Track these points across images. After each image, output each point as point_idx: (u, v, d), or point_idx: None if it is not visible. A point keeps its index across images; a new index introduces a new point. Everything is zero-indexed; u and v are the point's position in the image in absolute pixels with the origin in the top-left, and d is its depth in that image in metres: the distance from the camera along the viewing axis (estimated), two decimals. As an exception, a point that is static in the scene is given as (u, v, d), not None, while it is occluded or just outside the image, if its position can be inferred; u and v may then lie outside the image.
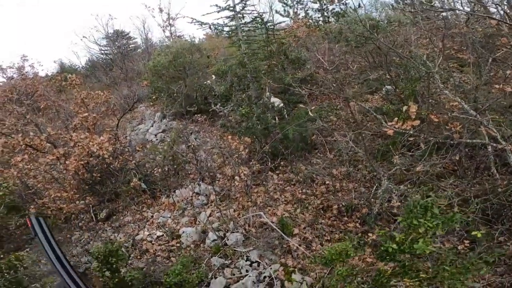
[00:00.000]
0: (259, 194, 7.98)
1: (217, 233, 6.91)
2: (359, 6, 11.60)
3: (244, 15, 9.25)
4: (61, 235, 8.29)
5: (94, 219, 8.54)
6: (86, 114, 7.18)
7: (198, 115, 10.12)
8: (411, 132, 5.02)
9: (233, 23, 9.41)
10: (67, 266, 2.48)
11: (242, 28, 9.27)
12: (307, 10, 14.53)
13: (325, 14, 14.22)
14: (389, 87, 9.88)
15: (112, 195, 8.69)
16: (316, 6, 14.37)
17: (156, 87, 11.68)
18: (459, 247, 5.24)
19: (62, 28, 41.43)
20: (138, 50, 24.53)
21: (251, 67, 8.39)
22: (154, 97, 11.55)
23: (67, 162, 6.11)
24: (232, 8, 9.00)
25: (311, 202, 7.56)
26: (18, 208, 8.26)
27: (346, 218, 7.20)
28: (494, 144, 5.37)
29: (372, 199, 7.04)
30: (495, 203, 5.29)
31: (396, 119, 4.98)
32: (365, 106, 8.03)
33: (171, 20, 21.71)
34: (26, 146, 6.82)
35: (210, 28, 9.24)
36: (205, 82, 11.30)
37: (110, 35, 22.79)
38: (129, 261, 7.06)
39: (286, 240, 6.40)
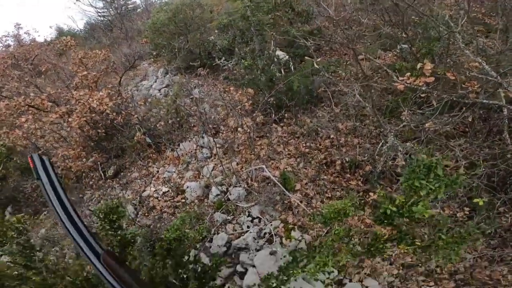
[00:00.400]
0: (262, 147, 7.85)
1: (219, 187, 6.93)
2: None
3: None
4: (73, 195, 8.61)
5: (103, 176, 8.74)
6: (86, 72, 7.04)
7: (201, 69, 9.79)
8: (424, 88, 4.62)
9: None
10: (73, 216, 1.89)
11: None
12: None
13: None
14: (404, 45, 9.22)
15: (118, 151, 8.79)
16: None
17: (157, 44, 11.32)
18: (458, 215, 5.18)
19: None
20: (138, 10, 24.02)
21: (254, 20, 7.83)
22: (155, 54, 11.23)
23: (69, 119, 6.11)
24: None
25: (315, 157, 7.40)
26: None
27: (348, 175, 7.06)
28: (511, 107, 4.98)
29: (376, 156, 6.83)
30: (502, 170, 5.02)
31: (408, 74, 4.61)
32: (376, 61, 7.48)
33: None
34: (28, 106, 6.84)
35: None
36: (208, 38, 10.84)
37: None
38: (137, 219, 7.30)
39: (288, 196, 6.36)
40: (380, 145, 6.88)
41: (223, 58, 10.39)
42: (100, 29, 20.60)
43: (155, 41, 11.42)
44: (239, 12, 7.75)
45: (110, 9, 22.37)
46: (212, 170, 7.56)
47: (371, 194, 6.35)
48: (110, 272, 1.62)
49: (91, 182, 8.84)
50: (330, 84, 9.22)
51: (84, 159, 7.74)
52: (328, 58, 10.91)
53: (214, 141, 7.62)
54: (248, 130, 7.22)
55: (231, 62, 9.96)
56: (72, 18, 46.48)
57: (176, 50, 10.42)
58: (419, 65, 4.95)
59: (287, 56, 9.68)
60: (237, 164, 7.55)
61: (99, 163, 8.61)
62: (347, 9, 11.36)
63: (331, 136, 7.83)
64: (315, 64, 7.86)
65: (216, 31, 11.09)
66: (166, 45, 10.89)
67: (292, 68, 9.60)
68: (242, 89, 7.83)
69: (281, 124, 8.42)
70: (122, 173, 8.75)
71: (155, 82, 11.26)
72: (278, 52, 9.66)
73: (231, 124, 7.63)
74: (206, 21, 11.69)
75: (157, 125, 8.24)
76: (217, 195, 6.88)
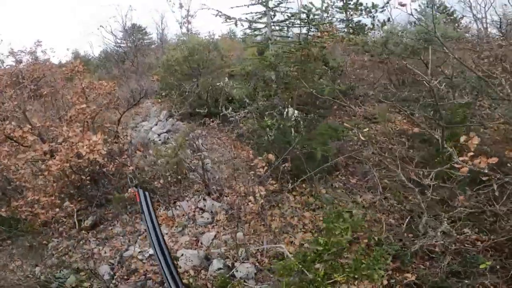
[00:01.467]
0: (273, 218, 6.90)
1: (223, 261, 5.80)
2: (388, 20, 10.69)
3: (277, 12, 8.26)
4: (36, 240, 7.11)
5: (77, 225, 7.32)
6: (84, 105, 6.07)
7: (209, 119, 9.02)
8: (486, 171, 4.03)
9: (263, 20, 8.37)
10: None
11: (273, 26, 8.26)
12: (332, 19, 13.63)
13: (350, 25, 13.28)
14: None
15: (102, 200, 7.52)
16: (342, 16, 13.42)
17: (167, 83, 10.62)
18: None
19: (77, 15, 40.58)
20: (152, 46, 24.25)
21: (284, 70, 7.24)
22: (164, 94, 10.46)
23: (50, 162, 4.97)
24: (264, 3, 8.00)
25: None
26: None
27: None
28: None
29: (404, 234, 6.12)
30: None
31: (470, 154, 4.03)
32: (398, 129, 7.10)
33: (189, 17, 21.53)
34: (6, 137, 5.66)
35: (236, 24, 8.24)
36: (217, 84, 10.30)
37: (127, 27, 22.37)
38: (113, 282, 5.95)
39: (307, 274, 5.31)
40: (406, 221, 6.24)
41: (231, 108, 9.74)
42: (113, 59, 20.16)
43: (166, 80, 10.73)
44: (265, 59, 7.16)
45: (128, 41, 22.39)
46: (213, 239, 6.44)
47: (407, 275, 5.35)
48: None
49: (61, 229, 7.35)
50: (350, 151, 8.68)
51: (57, 209, 6.40)
52: (344, 118, 10.51)
53: (221, 205, 6.63)
54: (261, 200, 6.30)
55: (239, 114, 9.27)
56: (91, 43, 46.01)
57: (186, 93, 9.73)
58: (463, 138, 4.37)
59: (298, 115, 9.18)
60: (245, 234, 6.48)
61: (75, 209, 7.24)
62: (368, 64, 11.29)
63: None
64: (345, 124, 7.25)
65: (226, 78, 10.63)
66: (177, 86, 10.19)
67: (303, 128, 9.04)
68: (255, 150, 7.03)
69: (294, 193, 7.59)
70: (102, 225, 7.40)
71: (156, 125, 10.34)
72: (289, 109, 9.18)
73: (240, 189, 6.69)
74: (218, 66, 11.26)
75: (153, 179, 7.16)
76: (219, 269, 5.73)
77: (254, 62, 7.71)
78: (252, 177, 6.79)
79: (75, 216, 7.26)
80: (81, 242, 7.00)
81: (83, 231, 7.22)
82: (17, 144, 5.74)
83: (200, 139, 8.65)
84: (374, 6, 8.57)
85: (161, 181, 6.79)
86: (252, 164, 6.92)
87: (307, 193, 7.64)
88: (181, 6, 21.10)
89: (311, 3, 12.31)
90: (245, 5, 8.52)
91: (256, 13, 8.36)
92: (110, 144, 6.03)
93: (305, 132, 8.11)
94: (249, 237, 6.49)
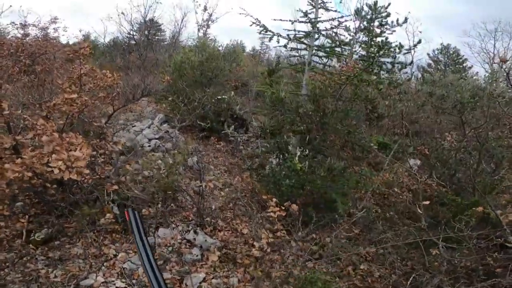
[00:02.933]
0: (273, 265, 5.86)
1: (214, 315, 4.62)
2: (411, 63, 10.24)
3: (322, 36, 7.53)
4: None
5: (24, 236, 5.73)
6: (75, 95, 4.77)
7: (210, 135, 7.98)
8: None
9: (306, 40, 7.56)
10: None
11: (315, 51, 7.47)
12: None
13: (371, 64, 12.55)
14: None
15: (64, 210, 6.02)
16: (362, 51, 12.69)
17: (177, 88, 9.45)
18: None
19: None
20: (163, 43, 24.19)
21: (328, 107, 6.15)
22: (170, 98, 9.24)
23: (6, 165, 3.59)
24: (313, 23, 7.27)
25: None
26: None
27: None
28: None
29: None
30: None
31: None
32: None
33: (210, 22, 21.36)
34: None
35: (271, 38, 7.41)
36: (221, 97, 9.32)
37: (147, 20, 21.92)
38: None
39: None
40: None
41: (233, 127, 8.79)
42: (120, 49, 18.93)
43: (177, 83, 9.53)
44: (310, 88, 6.20)
45: (141, 34, 21.46)
46: (201, 282, 5.21)
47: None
48: None
49: (2, 235, 5.71)
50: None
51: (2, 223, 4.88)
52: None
53: (215, 244, 5.49)
54: (266, 247, 5.30)
55: (242, 135, 8.32)
56: (105, 29, 43.53)
57: (195, 102, 8.61)
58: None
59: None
60: (239, 281, 5.36)
61: (27, 217, 5.70)
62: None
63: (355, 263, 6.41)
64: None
65: (232, 92, 9.69)
66: (188, 93, 9.03)
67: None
68: (264, 189, 6.04)
69: (295, 239, 6.66)
70: (57, 242, 5.85)
71: (149, 127, 9.00)
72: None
73: (240, 228, 5.64)
74: (226, 78, 10.35)
75: (136, 196, 5.88)
76: (208, 325, 4.52)
77: (285, 88, 6.77)
78: (259, 219, 5.76)
79: (25, 224, 5.69)
80: (24, 259, 5.43)
81: (31, 245, 5.67)
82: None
83: (194, 155, 7.52)
84: (400, 46, 8.19)
85: (146, 200, 5.52)
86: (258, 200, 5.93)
87: (310, 239, 6.81)
88: (205, 9, 20.81)
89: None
90: (290, 20, 7.75)
91: (298, 31, 7.60)
92: (94, 155, 4.70)
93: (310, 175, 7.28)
94: (245, 284, 5.38)
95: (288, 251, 6.30)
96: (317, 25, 7.24)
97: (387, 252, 6.91)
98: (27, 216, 5.87)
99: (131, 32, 22.93)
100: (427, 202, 5.53)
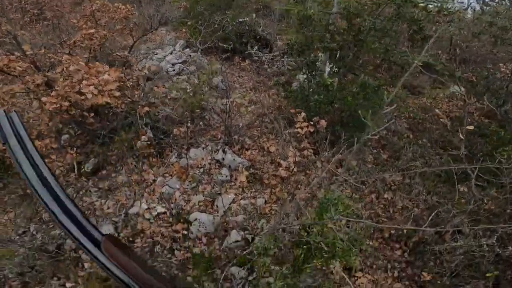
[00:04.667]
0: (299, 186, 6.15)
1: (242, 233, 5.15)
2: None
3: None
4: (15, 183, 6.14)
5: (75, 169, 6.37)
6: (93, 30, 4.70)
7: (233, 55, 7.75)
8: None
9: None
10: (58, 193, 1.27)
11: None
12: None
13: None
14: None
15: (105, 138, 6.51)
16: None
17: (195, 14, 8.92)
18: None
19: None
20: None
21: (366, 24, 5.41)
22: (189, 23, 8.83)
23: (44, 98, 3.83)
24: None
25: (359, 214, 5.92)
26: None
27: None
28: None
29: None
30: None
31: None
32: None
33: None
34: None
35: None
36: (243, 20, 8.71)
37: None
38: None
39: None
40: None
41: (257, 47, 8.38)
42: None
43: (194, 8, 8.97)
44: (345, 6, 5.45)
45: None
46: (231, 203, 5.70)
47: (424, 274, 5.08)
48: (115, 262, 1.25)
49: (57, 171, 6.42)
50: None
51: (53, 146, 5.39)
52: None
53: (243, 164, 5.75)
54: (293, 166, 5.45)
55: (266, 54, 7.95)
56: None
57: (215, 25, 8.17)
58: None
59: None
60: (266, 202, 5.77)
61: (75, 148, 6.27)
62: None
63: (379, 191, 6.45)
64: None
65: (254, 15, 8.98)
66: (207, 17, 8.53)
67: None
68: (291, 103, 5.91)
69: (322, 159, 6.75)
70: (104, 171, 6.51)
71: (171, 53, 8.91)
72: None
73: (268, 147, 5.77)
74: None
75: (167, 117, 6.10)
76: (237, 241, 5.10)
77: (314, 6, 6.02)
78: (287, 136, 5.81)
79: (74, 155, 6.30)
80: (80, 193, 6.16)
81: (83, 178, 6.34)
82: (3, 74, 4.50)
83: (219, 75, 7.44)
84: None
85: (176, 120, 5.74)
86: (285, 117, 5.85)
87: (336, 160, 6.86)
88: None
89: None
90: None
91: None
92: (123, 81, 4.80)
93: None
94: (271, 205, 5.80)
95: (313, 172, 6.46)
96: None
97: (414, 183, 6.66)
98: (74, 148, 6.46)
99: None
100: (471, 127, 5.14)
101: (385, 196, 6.28)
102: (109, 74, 3.74)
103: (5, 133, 1.35)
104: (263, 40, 8.83)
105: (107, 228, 5.31)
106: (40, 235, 4.89)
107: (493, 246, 4.21)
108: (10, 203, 5.86)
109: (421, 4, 5.27)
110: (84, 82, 3.67)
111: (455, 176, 5.16)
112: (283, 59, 8.13)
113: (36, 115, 4.59)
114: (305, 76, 6.57)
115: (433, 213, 5.08)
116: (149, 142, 6.31)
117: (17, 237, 5.13)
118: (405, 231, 5.41)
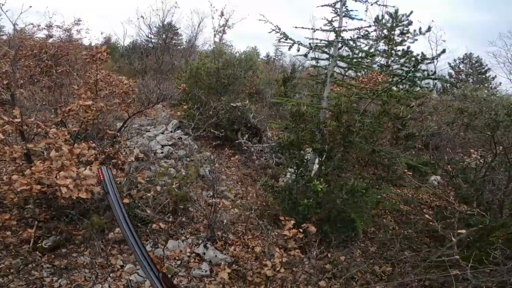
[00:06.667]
0: (284, 283, 5.58)
1: None
2: (434, 73, 9.36)
3: (345, 46, 7.15)
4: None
5: (31, 242, 5.60)
6: (90, 102, 4.63)
7: (222, 144, 7.80)
8: None
9: (330, 50, 7.22)
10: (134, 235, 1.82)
11: (337, 61, 7.11)
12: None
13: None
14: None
15: (74, 217, 5.91)
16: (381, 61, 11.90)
17: (193, 97, 9.31)
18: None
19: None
20: (179, 47, 24.70)
21: (356, 126, 5.66)
22: (186, 106, 9.08)
23: (14, 176, 3.44)
24: (337, 32, 6.94)
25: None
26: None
27: None
28: None
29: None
30: None
31: None
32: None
33: (226, 28, 21.70)
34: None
35: (290, 47, 7.06)
36: (235, 104, 9.13)
37: (165, 24, 22.47)
38: None
39: None
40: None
41: (247, 136, 8.57)
42: (138, 52, 19.74)
43: (193, 91, 9.41)
44: (335, 103, 5.72)
45: (159, 37, 21.87)
46: (210, 300, 4.99)
47: None
48: None
49: (11, 239, 5.57)
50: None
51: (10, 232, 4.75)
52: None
53: (221, 259, 5.25)
54: (281, 269, 5.01)
55: (256, 145, 8.09)
56: (125, 31, 45.41)
57: (210, 112, 8.45)
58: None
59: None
60: (248, 302, 5.11)
61: (36, 222, 5.59)
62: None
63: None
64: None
65: (246, 100, 9.48)
66: (204, 101, 8.89)
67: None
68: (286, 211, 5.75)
69: (310, 257, 6.37)
70: (64, 250, 5.74)
71: (162, 133, 8.91)
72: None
73: (256, 249, 5.38)
74: (241, 86, 10.14)
75: (148, 205, 5.72)
76: None
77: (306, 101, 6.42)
78: (274, 238, 5.50)
79: (32, 233, 5.57)
80: (29, 266, 5.31)
81: (37, 252, 5.55)
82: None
83: (207, 166, 7.33)
84: (423, 57, 7.65)
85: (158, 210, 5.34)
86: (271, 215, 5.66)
87: (324, 257, 6.51)
88: (222, 14, 20.99)
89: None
90: (312, 29, 7.40)
91: (321, 40, 7.27)
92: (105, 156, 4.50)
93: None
94: (254, 306, 5.12)
95: (300, 269, 6.00)
96: (341, 35, 6.92)
97: (405, 272, 6.64)
98: (36, 222, 5.79)
99: (150, 35, 23.29)
100: (463, 231, 5.13)
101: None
102: (90, 169, 3.47)
103: (107, 184, 1.84)
104: (253, 128, 9.09)
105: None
106: None
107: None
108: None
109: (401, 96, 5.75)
110: (62, 173, 3.36)
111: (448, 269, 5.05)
112: (271, 151, 8.25)
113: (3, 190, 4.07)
114: (293, 171, 6.59)
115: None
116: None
117: None
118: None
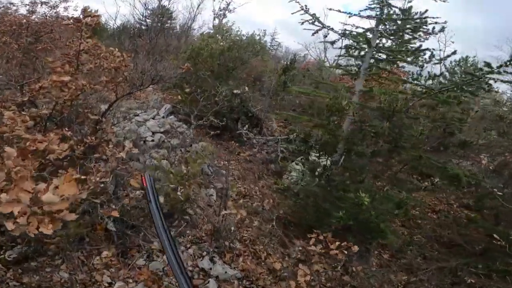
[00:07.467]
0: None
1: None
2: (441, 74, 8.87)
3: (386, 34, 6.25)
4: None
5: None
6: (67, 78, 3.44)
7: (222, 133, 6.86)
8: None
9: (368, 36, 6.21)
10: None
11: (376, 55, 6.11)
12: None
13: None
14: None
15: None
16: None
17: (194, 80, 8.13)
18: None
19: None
20: (173, 31, 23.57)
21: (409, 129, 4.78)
22: (188, 90, 7.86)
23: None
24: (379, 15, 6.01)
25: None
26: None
27: None
28: None
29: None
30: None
31: None
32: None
33: (227, 11, 20.64)
34: None
35: (317, 31, 6.15)
36: (236, 91, 8.10)
37: (161, 4, 21.20)
38: None
39: None
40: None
41: (247, 126, 7.69)
42: (130, 32, 18.59)
43: (198, 73, 8.20)
44: (384, 101, 4.91)
45: (153, 20, 20.77)
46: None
47: None
48: None
49: None
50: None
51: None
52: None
53: (231, 275, 4.40)
54: None
55: (258, 137, 7.25)
56: (117, 11, 42.49)
57: (216, 97, 7.37)
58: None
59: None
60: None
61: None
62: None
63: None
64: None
65: (246, 88, 8.49)
66: (210, 85, 7.75)
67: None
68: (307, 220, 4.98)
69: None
70: (35, 263, 4.61)
71: (153, 119, 7.70)
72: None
73: (276, 266, 4.57)
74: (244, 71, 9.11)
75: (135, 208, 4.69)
76: None
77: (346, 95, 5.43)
78: (297, 253, 4.70)
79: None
80: None
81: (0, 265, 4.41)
82: None
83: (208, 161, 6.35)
84: (432, 55, 7.13)
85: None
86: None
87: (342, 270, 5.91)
88: None
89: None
90: (349, 13, 6.53)
91: (357, 27, 6.32)
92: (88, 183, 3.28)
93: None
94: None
95: (317, 280, 5.31)
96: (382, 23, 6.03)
97: (419, 279, 6.40)
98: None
99: (144, 14, 21.69)
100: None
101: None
102: (56, 187, 1.91)
103: (149, 193, 1.89)
104: (254, 118, 8.16)
105: None
106: None
107: None
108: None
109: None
110: (4, 196, 1.81)
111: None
112: (276, 144, 7.38)
113: None
114: (301, 167, 5.85)
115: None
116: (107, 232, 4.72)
117: None
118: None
